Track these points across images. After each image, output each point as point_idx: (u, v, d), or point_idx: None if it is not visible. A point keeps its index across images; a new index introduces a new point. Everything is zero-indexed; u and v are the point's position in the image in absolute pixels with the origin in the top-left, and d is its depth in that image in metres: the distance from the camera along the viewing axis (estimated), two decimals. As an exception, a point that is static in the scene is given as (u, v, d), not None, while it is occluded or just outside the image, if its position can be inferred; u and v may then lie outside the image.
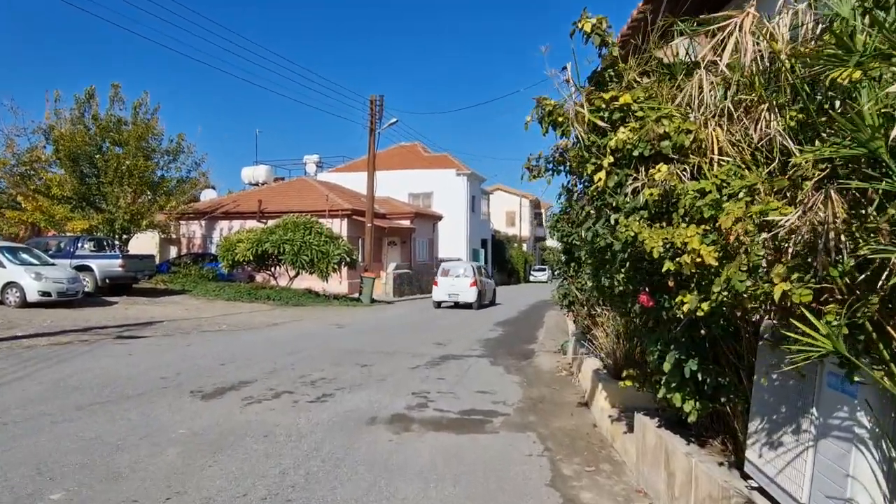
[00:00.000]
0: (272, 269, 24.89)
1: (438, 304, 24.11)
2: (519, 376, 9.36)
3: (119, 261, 20.41)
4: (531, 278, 64.03)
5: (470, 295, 23.19)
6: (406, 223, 35.02)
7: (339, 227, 30.44)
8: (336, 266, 23.35)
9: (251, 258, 23.12)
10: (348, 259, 23.93)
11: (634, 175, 3.59)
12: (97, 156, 23.56)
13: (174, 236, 33.17)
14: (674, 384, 3.78)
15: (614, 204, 3.72)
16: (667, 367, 3.75)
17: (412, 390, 8.07)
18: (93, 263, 20.16)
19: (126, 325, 14.74)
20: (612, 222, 3.69)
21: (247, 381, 8.39)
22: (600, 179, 3.76)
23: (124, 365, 9.43)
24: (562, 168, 4.52)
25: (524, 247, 64.84)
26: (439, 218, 40.04)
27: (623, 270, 3.80)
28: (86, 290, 19.75)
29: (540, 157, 4.56)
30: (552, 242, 20.90)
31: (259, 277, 26.23)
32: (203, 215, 31.85)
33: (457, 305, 23.48)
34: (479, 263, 30.27)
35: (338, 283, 30.12)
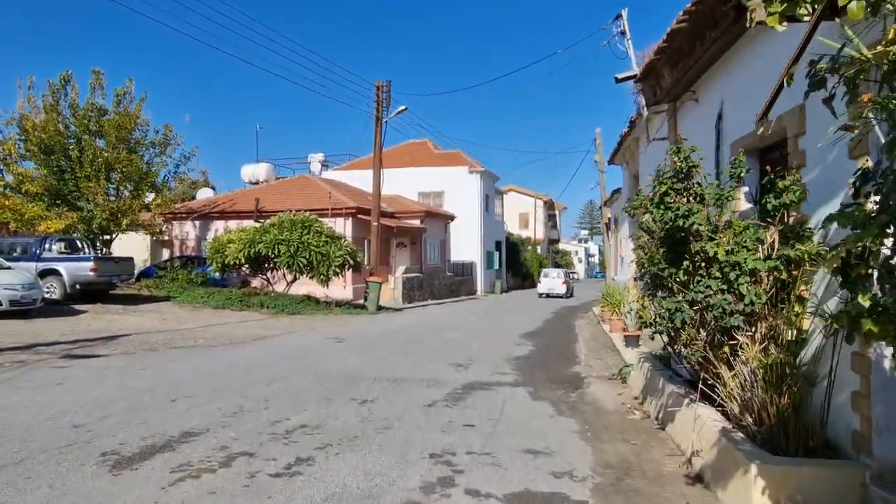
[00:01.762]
0: (267, 272, 22.43)
1: (540, 296, 36.41)
2: (576, 420, 6.77)
3: (90, 264, 17.98)
4: (546, 282, 61.55)
5: (562, 290, 36.16)
6: (416, 223, 32.50)
7: (343, 226, 28.00)
8: (338, 269, 20.84)
9: (243, 260, 20.65)
10: (352, 261, 21.42)
11: None
12: (73, 148, 21.19)
13: (167, 238, 30.86)
14: None
15: None
16: None
17: (430, 449, 5.51)
18: (61, 267, 17.77)
19: (83, 340, 12.28)
20: None
21: (194, 433, 5.86)
22: None
23: (37, 403, 6.93)
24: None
25: (538, 249, 62.25)
26: (451, 218, 37.50)
27: None
28: (52, 296, 17.35)
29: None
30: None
31: (257, 282, 23.79)
32: (194, 214, 29.47)
33: (549, 296, 35.83)
34: (565, 269, 44.43)
35: (341, 287, 27.68)
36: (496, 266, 44.62)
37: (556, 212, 76.55)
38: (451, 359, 11.12)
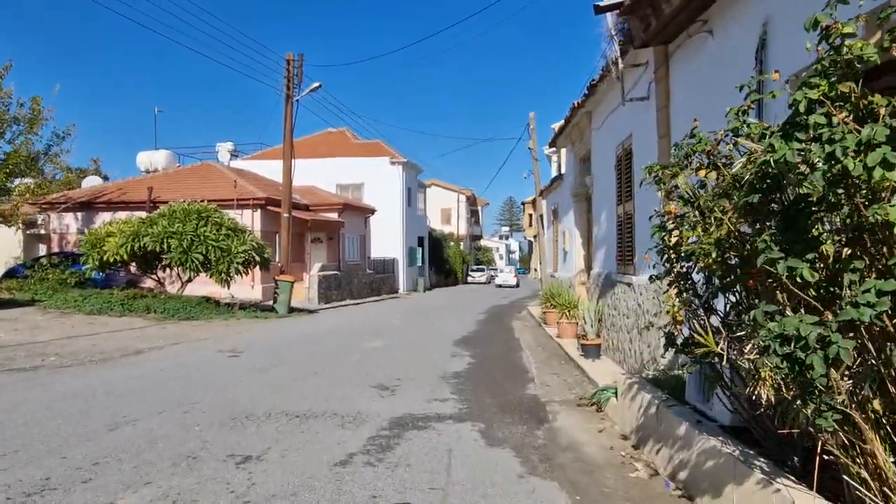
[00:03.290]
0: (158, 271, 19.34)
1: (498, 286, 47.36)
2: (558, 483, 4.67)
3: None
4: (469, 279, 59.97)
5: (513, 281, 48.22)
6: (333, 216, 29.85)
7: (251, 219, 25.09)
8: (241, 267, 18.06)
9: (126, 257, 17.53)
10: (258, 258, 18.68)
11: None
12: None
13: (43, 232, 26.85)
14: None
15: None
16: None
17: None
18: None
19: None
20: None
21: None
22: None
23: None
24: None
25: (461, 246, 60.64)
26: (372, 211, 35.03)
27: None
28: None
29: None
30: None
31: (150, 282, 20.57)
32: (75, 204, 25.68)
33: (501, 286, 47.18)
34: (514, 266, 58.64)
35: (249, 287, 24.79)
36: (419, 263, 42.46)
37: (479, 207, 75.25)
38: (374, 378, 8.85)
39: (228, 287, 18.41)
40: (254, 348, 11.87)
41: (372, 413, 6.75)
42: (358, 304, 27.21)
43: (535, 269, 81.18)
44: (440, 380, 8.86)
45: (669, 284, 3.85)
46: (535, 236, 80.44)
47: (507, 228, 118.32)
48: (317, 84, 20.96)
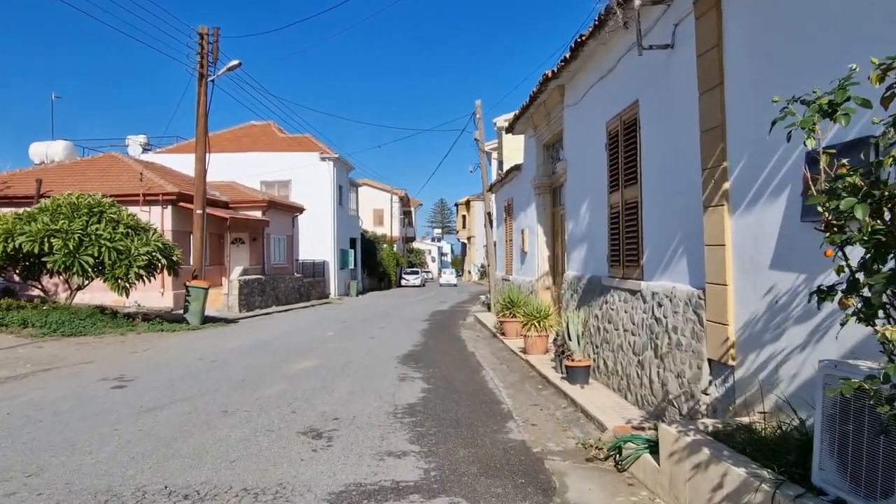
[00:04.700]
0: (44, 277, 16.32)
1: (441, 285, 57.61)
2: None
3: None
4: (402, 282, 57.80)
5: (455, 281, 60.25)
6: (257, 214, 27.07)
7: (161, 217, 22.16)
8: (143, 271, 15.34)
9: (-3, 260, 14.53)
10: (164, 260, 15.98)
11: None
12: None
13: None
14: None
15: None
16: None
17: None
18: None
19: None
20: None
21: None
22: None
23: None
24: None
25: (394, 247, 58.45)
26: (300, 210, 32.32)
27: None
28: None
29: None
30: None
31: (37, 290, 17.41)
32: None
33: (443, 285, 56.61)
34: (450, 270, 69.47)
35: (159, 294, 21.90)
36: (351, 266, 39.96)
37: (412, 208, 73.21)
38: (303, 418, 6.66)
39: (127, 295, 15.64)
40: (148, 375, 9.40)
41: (299, 486, 4.59)
42: (285, 310, 24.64)
43: (469, 272, 79.93)
44: (391, 418, 6.75)
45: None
46: (469, 238, 79.18)
47: (439, 231, 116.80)
48: (236, 62, 18.38)
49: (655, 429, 4.65)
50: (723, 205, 4.68)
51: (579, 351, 7.79)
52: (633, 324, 6.60)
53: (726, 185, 4.65)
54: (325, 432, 6.13)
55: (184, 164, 30.48)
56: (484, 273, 70.40)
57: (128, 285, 15.26)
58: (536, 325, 10.02)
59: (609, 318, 7.46)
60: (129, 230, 15.55)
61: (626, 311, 6.89)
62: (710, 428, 4.17)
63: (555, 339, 9.11)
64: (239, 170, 32.64)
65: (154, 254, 15.62)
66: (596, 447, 5.39)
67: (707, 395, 5.02)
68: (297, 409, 7.11)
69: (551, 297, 12.21)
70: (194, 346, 12.85)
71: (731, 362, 4.64)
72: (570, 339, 7.82)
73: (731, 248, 4.63)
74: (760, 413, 4.13)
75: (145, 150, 35.92)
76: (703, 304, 5.05)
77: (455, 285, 57.26)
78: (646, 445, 4.69)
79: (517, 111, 12.26)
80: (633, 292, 6.68)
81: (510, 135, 14.52)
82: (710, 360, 4.99)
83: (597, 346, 7.94)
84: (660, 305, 5.90)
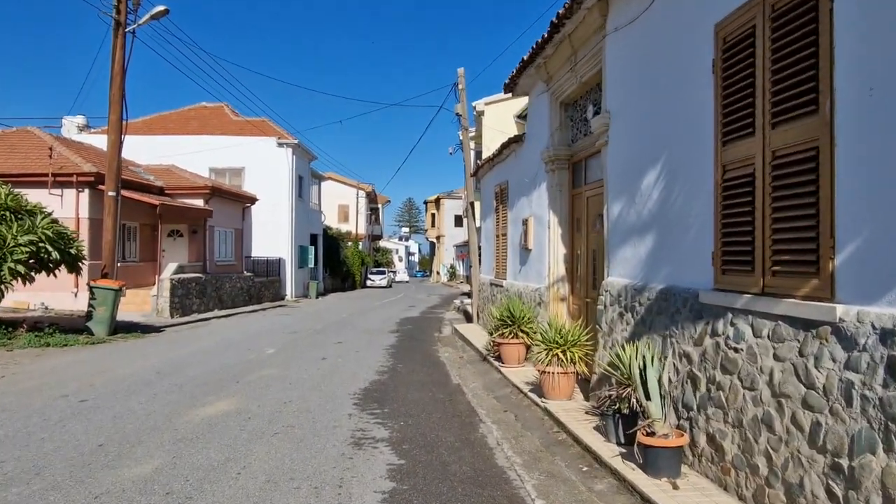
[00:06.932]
0: None
1: (397, 282, 60.20)
2: None
3: None
4: (368, 283, 54.22)
5: (406, 279, 68.89)
6: (198, 203, 23.31)
7: (76, 203, 18.45)
8: (23, 267, 11.67)
9: None
10: (55, 254, 12.32)
11: None
12: None
13: None
14: None
15: None
16: None
17: None
18: None
19: None
20: None
21: None
22: None
23: None
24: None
25: (360, 246, 54.87)
26: (252, 200, 28.56)
27: None
28: None
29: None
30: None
31: None
32: None
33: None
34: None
35: (71, 295, 18.21)
36: (311, 264, 36.23)
37: (380, 205, 69.56)
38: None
39: (2, 297, 11.94)
40: (-47, 433, 5.89)
41: None
42: (229, 315, 21.00)
43: (438, 273, 76.49)
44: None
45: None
46: (438, 237, 75.68)
47: (406, 230, 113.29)
48: (162, 8, 14.72)
49: None
50: None
51: (660, 418, 4.55)
52: (809, 386, 3.40)
53: None
54: None
55: (126, 147, 26.52)
56: (453, 274, 67.53)
57: (1, 285, 11.58)
58: (561, 355, 6.78)
59: (725, 366, 4.25)
60: (8, 213, 11.88)
61: (778, 359, 3.69)
62: None
63: (598, 382, 5.86)
64: (185, 155, 28.79)
65: (42, 244, 11.97)
66: None
67: None
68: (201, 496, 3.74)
69: (568, 312, 8.98)
70: (71, 373, 9.27)
71: None
72: (647, 396, 4.57)
73: None
74: None
75: (81, 130, 31.79)
76: None
77: (407, 281, 65.07)
78: None
79: (525, 57, 8.96)
80: (806, 324, 3.47)
81: (507, 100, 11.25)
82: None
83: (690, 409, 4.72)
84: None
